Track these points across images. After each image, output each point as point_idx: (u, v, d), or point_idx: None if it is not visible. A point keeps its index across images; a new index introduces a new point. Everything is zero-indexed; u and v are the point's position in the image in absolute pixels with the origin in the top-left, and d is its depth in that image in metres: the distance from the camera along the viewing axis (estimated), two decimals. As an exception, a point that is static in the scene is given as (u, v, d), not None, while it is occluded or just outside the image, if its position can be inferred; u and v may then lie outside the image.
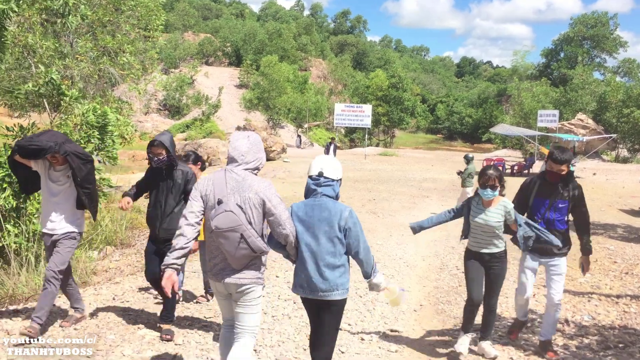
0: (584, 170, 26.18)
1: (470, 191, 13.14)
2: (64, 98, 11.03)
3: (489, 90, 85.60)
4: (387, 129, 59.70)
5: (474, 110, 79.13)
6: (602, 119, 36.76)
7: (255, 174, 3.56)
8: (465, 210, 4.91)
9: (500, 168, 26.88)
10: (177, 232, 3.47)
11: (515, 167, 25.95)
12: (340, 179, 3.71)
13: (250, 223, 3.39)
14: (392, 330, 5.62)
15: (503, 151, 46.32)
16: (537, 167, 26.59)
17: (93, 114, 10.65)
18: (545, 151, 24.40)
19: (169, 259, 3.41)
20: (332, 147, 21.96)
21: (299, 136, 44.78)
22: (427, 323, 5.92)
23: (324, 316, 3.60)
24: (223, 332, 3.80)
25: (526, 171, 25.46)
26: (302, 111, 49.93)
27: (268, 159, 27.26)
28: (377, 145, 55.19)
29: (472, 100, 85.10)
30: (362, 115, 32.40)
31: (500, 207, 4.68)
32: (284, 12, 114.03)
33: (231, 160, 3.52)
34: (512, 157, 38.38)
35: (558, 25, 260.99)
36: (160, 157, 5.05)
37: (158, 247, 5.15)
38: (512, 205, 4.75)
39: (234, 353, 3.47)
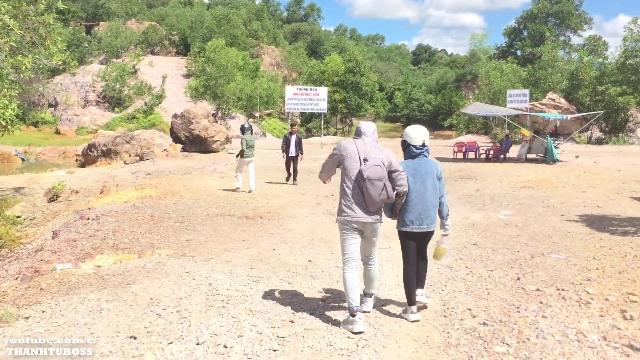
0: (563, 153, 23.44)
1: (247, 162, 13.29)
2: None
3: (448, 75, 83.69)
4: (345, 117, 56.67)
5: (433, 96, 77.20)
6: (574, 98, 34.30)
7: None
8: None
9: (474, 153, 24.18)
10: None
11: (491, 152, 22.96)
12: None
13: None
14: None
15: (467, 136, 43.81)
16: (514, 151, 23.75)
17: None
18: (526, 132, 21.54)
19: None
20: (294, 140, 14.89)
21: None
22: None
23: (425, 244, 5.06)
24: (351, 271, 4.73)
25: (503, 156, 22.51)
26: (253, 99, 46.19)
27: (209, 151, 23.60)
28: (335, 134, 52.11)
29: (430, 86, 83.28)
30: (317, 99, 28.58)
31: None
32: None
33: (364, 134, 4.86)
34: (478, 142, 35.71)
35: (509, 13, 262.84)
36: None
37: None
38: None
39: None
